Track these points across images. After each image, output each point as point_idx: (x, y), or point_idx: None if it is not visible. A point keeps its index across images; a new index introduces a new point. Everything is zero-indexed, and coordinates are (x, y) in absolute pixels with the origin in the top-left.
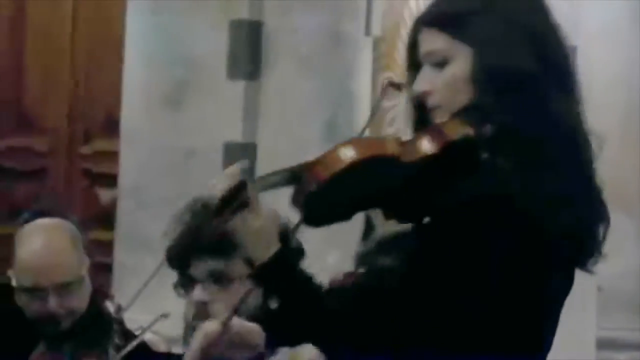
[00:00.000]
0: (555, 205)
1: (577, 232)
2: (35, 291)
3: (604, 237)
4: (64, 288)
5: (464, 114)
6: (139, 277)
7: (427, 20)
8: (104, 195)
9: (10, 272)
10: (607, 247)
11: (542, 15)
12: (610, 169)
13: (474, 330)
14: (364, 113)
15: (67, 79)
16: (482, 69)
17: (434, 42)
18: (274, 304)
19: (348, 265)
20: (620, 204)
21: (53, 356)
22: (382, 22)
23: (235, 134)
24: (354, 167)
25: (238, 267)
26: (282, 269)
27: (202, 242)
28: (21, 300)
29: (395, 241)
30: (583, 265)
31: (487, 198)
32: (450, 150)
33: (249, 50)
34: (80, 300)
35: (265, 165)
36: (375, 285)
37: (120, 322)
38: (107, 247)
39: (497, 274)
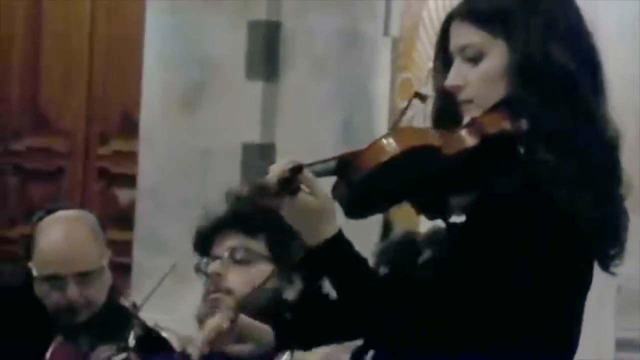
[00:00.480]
0: (588, 202)
1: (605, 231)
2: (55, 280)
3: (625, 239)
4: (84, 277)
5: (501, 108)
6: (157, 277)
7: (463, 15)
8: (122, 195)
9: (30, 264)
10: (626, 248)
11: (578, 18)
12: (627, 169)
13: (512, 325)
14: (381, 114)
15: (85, 79)
16: (520, 65)
17: (469, 36)
18: (328, 291)
19: None
20: (636, 205)
21: (71, 348)
22: (401, 22)
23: (254, 135)
24: (398, 157)
25: (259, 247)
26: (340, 252)
27: (230, 220)
28: (41, 290)
29: (432, 238)
30: (606, 266)
31: (525, 193)
32: (488, 145)
33: (266, 51)
34: (99, 292)
35: None
36: (421, 279)
37: (137, 317)
38: (125, 247)
39: (534, 270)
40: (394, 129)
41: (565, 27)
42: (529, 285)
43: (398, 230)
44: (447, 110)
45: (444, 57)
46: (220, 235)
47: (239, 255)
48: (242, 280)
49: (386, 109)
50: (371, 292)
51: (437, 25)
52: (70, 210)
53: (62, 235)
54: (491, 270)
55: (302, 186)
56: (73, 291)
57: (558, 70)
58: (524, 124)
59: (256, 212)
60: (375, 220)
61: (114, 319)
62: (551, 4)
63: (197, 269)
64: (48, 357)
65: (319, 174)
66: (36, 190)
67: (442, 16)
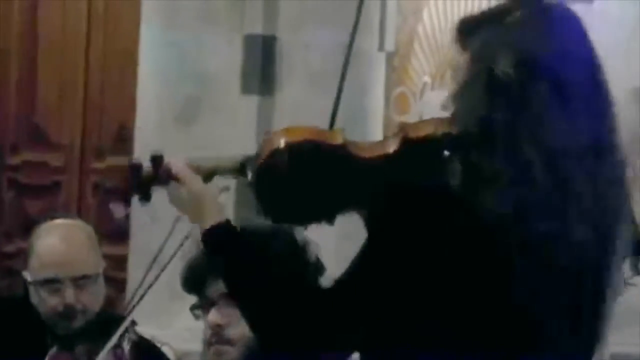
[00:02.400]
0: (492, 201)
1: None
2: (53, 284)
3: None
4: (81, 282)
5: (440, 117)
6: (153, 292)
7: (454, 37)
8: (118, 210)
9: (25, 273)
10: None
11: (546, 31)
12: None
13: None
14: (376, 128)
15: (81, 94)
16: (467, 73)
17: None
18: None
19: None
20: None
21: (66, 356)
22: (396, 37)
23: (249, 149)
24: (292, 150)
25: None
26: (222, 241)
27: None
28: (38, 295)
29: None
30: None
31: (437, 188)
32: (411, 149)
33: (262, 66)
34: (95, 298)
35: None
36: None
37: (133, 323)
38: (121, 262)
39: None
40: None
41: (522, 46)
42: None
43: None
44: None
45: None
46: (211, 276)
47: (232, 302)
48: (242, 327)
49: (381, 124)
50: (251, 289)
51: (432, 40)
52: (67, 218)
53: (59, 239)
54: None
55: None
56: (70, 295)
57: (497, 78)
58: (454, 130)
59: None
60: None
61: (110, 327)
62: (513, 23)
63: (192, 309)
64: None
65: (213, 173)
66: (32, 204)
67: (437, 31)
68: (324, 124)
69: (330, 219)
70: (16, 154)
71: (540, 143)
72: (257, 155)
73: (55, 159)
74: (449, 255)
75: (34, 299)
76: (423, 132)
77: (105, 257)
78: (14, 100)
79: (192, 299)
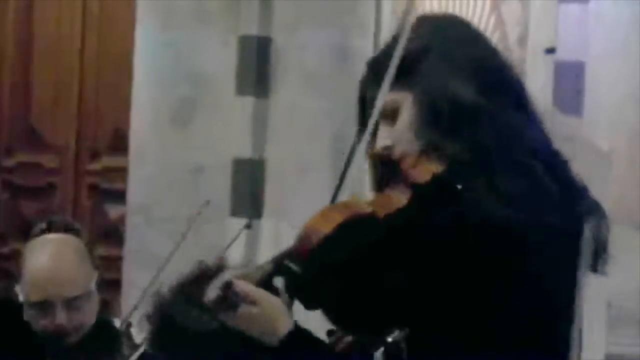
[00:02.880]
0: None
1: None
2: (44, 306)
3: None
4: (73, 302)
5: (424, 154)
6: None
7: (375, 81)
8: (113, 211)
9: (17, 288)
10: (616, 263)
11: (479, 44)
12: (619, 186)
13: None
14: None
15: (76, 96)
16: (424, 111)
17: (380, 100)
18: None
19: None
20: (629, 220)
21: None
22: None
23: (244, 150)
24: (332, 236)
25: None
26: (297, 346)
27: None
28: (29, 315)
29: None
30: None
31: (468, 227)
32: (423, 193)
33: (257, 67)
34: (88, 315)
35: (274, 181)
36: None
37: (129, 336)
38: (115, 263)
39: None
40: (324, 208)
41: (467, 61)
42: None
43: None
44: (388, 169)
45: (364, 123)
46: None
47: None
48: None
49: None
50: None
51: None
52: (57, 234)
53: (49, 260)
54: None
55: (241, 299)
56: (62, 317)
57: (463, 104)
58: (446, 164)
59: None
60: None
61: (105, 338)
62: (442, 44)
63: None
64: None
65: (259, 281)
66: (27, 206)
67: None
68: (318, 124)
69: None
70: (11, 155)
71: (525, 153)
72: (293, 249)
73: (50, 161)
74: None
75: (27, 317)
76: (428, 174)
77: (100, 258)
78: (8, 102)
79: None
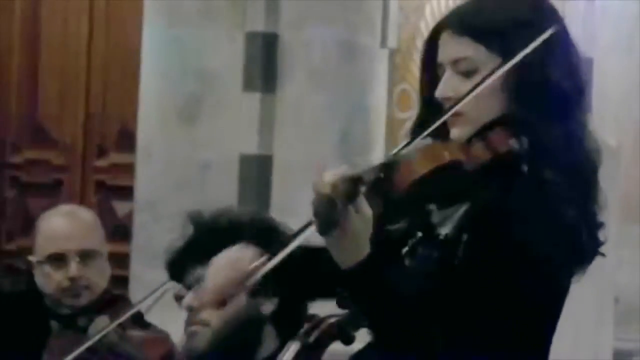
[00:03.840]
0: (578, 217)
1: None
2: (58, 258)
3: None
4: (85, 257)
5: (504, 127)
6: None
7: (457, 27)
8: (120, 208)
9: (31, 257)
10: (624, 260)
11: (569, 38)
12: (625, 181)
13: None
14: (379, 125)
15: (83, 92)
16: (518, 83)
17: (463, 49)
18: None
19: None
20: (636, 217)
21: (72, 335)
22: (398, 34)
23: (251, 147)
24: (430, 175)
25: None
26: (371, 275)
27: (195, 250)
28: (43, 273)
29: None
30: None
31: (536, 210)
32: (496, 163)
33: (264, 63)
34: (99, 276)
35: (280, 177)
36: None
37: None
38: (123, 260)
39: (536, 280)
40: (422, 147)
41: (560, 46)
42: (530, 295)
43: None
44: (429, 121)
45: (431, 67)
46: (189, 262)
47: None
48: (214, 310)
49: (384, 121)
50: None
51: None
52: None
53: (65, 215)
54: (495, 283)
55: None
56: (74, 268)
57: (554, 90)
58: (525, 143)
59: (217, 240)
60: None
61: (114, 306)
62: (547, 24)
63: (177, 299)
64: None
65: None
66: (34, 203)
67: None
68: (325, 120)
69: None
70: (18, 152)
71: (588, 158)
72: (396, 175)
73: (57, 157)
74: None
75: (39, 279)
76: (506, 146)
77: (108, 254)
78: (16, 99)
79: None
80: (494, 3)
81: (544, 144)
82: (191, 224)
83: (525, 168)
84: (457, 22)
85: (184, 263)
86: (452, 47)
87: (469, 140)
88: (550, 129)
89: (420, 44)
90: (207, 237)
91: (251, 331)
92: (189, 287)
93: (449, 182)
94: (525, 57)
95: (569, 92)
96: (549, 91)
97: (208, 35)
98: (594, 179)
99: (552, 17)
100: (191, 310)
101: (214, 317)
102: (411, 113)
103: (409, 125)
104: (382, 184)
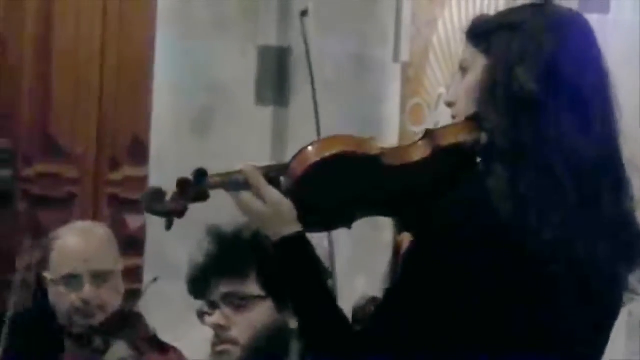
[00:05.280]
0: (536, 221)
1: (565, 254)
2: (72, 279)
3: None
4: (99, 278)
5: (464, 121)
6: (167, 303)
7: (465, 34)
8: (133, 221)
9: (45, 273)
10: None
11: (570, 47)
12: (638, 192)
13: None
14: (391, 139)
15: (96, 105)
16: (487, 82)
17: (464, 52)
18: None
19: (375, 289)
20: None
21: (82, 353)
22: (411, 47)
23: (264, 160)
24: (325, 164)
25: (252, 289)
26: (295, 251)
27: (218, 266)
28: (57, 293)
29: None
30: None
31: (474, 205)
32: (442, 156)
33: (277, 76)
34: (113, 295)
35: None
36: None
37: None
38: (135, 273)
39: (477, 282)
40: (328, 136)
41: (543, 55)
42: (474, 298)
43: None
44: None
45: None
46: (212, 279)
47: (234, 303)
48: (244, 327)
49: (396, 135)
50: (316, 296)
51: (447, 51)
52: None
53: (79, 235)
54: (437, 286)
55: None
56: (89, 290)
57: (520, 92)
58: (483, 138)
59: (239, 255)
60: (386, 245)
61: (127, 324)
62: (534, 31)
63: (199, 315)
64: None
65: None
66: (46, 216)
67: (452, 42)
68: (337, 133)
69: (351, 224)
70: (30, 165)
71: (568, 161)
72: (288, 166)
73: (69, 170)
74: (490, 272)
75: (53, 298)
76: (454, 139)
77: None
78: (27, 112)
79: None
80: (500, 12)
81: (501, 141)
82: (212, 240)
83: (479, 161)
84: (466, 30)
85: (206, 279)
86: (461, 53)
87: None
88: (510, 128)
89: (432, 58)
90: (229, 253)
91: (279, 347)
92: (211, 304)
93: (358, 176)
94: (498, 56)
95: (538, 95)
96: (513, 93)
97: (220, 48)
98: (593, 188)
99: (543, 22)
100: (220, 329)
101: (243, 336)
102: (423, 127)
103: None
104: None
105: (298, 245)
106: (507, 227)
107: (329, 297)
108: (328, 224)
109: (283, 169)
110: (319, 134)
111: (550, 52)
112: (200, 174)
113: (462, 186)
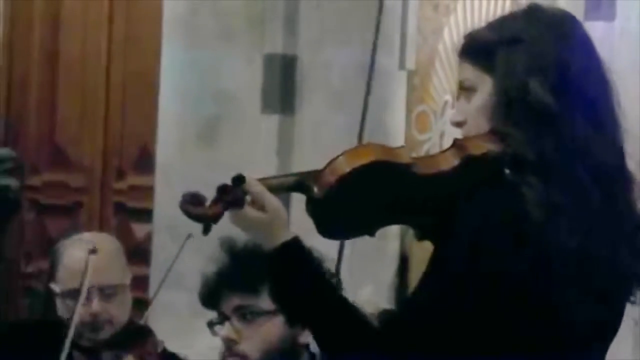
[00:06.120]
0: (566, 230)
1: (589, 264)
2: (80, 294)
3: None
4: (107, 292)
5: (489, 135)
6: (174, 312)
7: (460, 51)
8: (139, 230)
9: (53, 285)
10: None
11: (572, 48)
12: None
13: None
14: (404, 145)
15: (102, 114)
16: (500, 99)
17: (464, 72)
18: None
19: (381, 299)
20: None
21: None
22: (417, 55)
23: (270, 169)
24: (359, 173)
25: (263, 304)
26: (294, 256)
27: (231, 279)
28: (65, 306)
29: None
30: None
31: (507, 212)
32: (471, 166)
33: (283, 85)
34: (121, 310)
35: (300, 199)
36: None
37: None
38: (142, 282)
39: (504, 286)
40: (360, 144)
41: (554, 63)
42: (499, 301)
43: (415, 266)
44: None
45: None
46: (224, 291)
47: (246, 316)
48: (254, 341)
49: (402, 142)
50: (319, 299)
51: (453, 59)
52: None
53: (87, 249)
54: (463, 292)
55: (248, 198)
56: (96, 304)
57: (537, 105)
58: (508, 148)
59: (253, 269)
60: (392, 254)
61: (136, 338)
62: (535, 40)
63: (210, 326)
64: None
65: (275, 189)
66: (53, 225)
67: (459, 49)
68: (344, 142)
69: (375, 232)
70: (37, 174)
71: (589, 168)
72: (321, 173)
73: (76, 180)
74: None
75: (61, 310)
76: (483, 149)
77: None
78: (34, 121)
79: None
80: (491, 25)
81: (528, 155)
82: (225, 252)
83: (507, 172)
84: (460, 48)
85: (218, 291)
86: (459, 72)
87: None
88: (533, 142)
89: (438, 65)
90: (242, 266)
91: (291, 354)
92: (222, 316)
93: (389, 185)
94: (505, 72)
95: (553, 106)
96: (529, 106)
97: (226, 57)
98: (612, 196)
99: (543, 31)
100: (230, 342)
101: (252, 350)
102: (429, 135)
103: (427, 146)
104: (309, 188)
105: (299, 249)
106: (536, 235)
107: (339, 295)
108: (352, 232)
109: (312, 177)
110: (360, 140)
111: (558, 60)
112: (239, 179)
113: (492, 194)
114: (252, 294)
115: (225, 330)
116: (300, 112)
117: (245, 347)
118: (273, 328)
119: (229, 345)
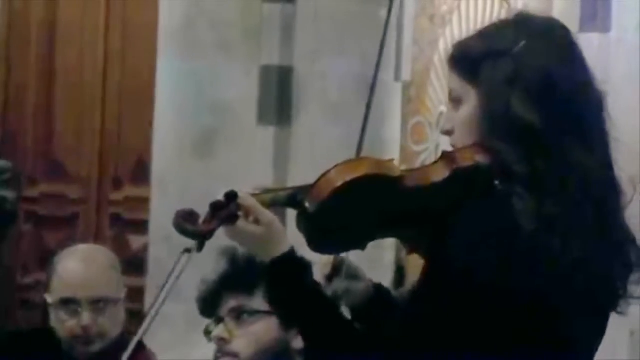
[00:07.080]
0: (560, 242)
1: (583, 274)
2: (71, 304)
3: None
4: (99, 305)
5: (477, 146)
6: (170, 324)
7: (448, 61)
8: (135, 241)
9: (46, 295)
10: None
11: (561, 60)
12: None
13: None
14: (393, 158)
15: (98, 126)
16: (484, 115)
17: (451, 82)
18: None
19: None
20: None
21: None
22: (412, 67)
23: (266, 180)
24: (351, 186)
25: (258, 304)
26: (289, 269)
27: (228, 283)
28: (57, 317)
29: None
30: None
31: (498, 223)
32: (461, 177)
33: (279, 96)
34: (113, 323)
35: (295, 212)
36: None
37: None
38: (138, 294)
39: (499, 297)
40: (350, 159)
41: (535, 76)
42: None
43: (411, 276)
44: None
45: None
46: (222, 296)
47: (239, 316)
48: (245, 340)
49: (398, 153)
50: (315, 311)
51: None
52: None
53: (80, 260)
54: (454, 305)
55: (241, 213)
56: (87, 317)
57: (519, 122)
58: (498, 160)
59: (251, 273)
60: (388, 265)
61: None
62: (522, 53)
63: (206, 333)
64: None
65: (269, 204)
66: (50, 236)
67: (448, 58)
68: (340, 153)
69: (365, 246)
70: (34, 186)
71: (581, 183)
72: (312, 188)
73: (72, 191)
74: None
75: (54, 322)
76: (472, 160)
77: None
78: (31, 133)
79: None
80: (480, 34)
81: (515, 169)
82: (226, 260)
83: (497, 183)
84: (449, 57)
85: (217, 297)
86: (448, 81)
87: None
88: (519, 156)
89: (434, 77)
90: (241, 271)
91: (283, 357)
92: (218, 320)
93: (379, 198)
94: (489, 87)
95: (537, 124)
96: (512, 122)
97: (223, 68)
98: (601, 208)
99: (533, 45)
100: (222, 342)
101: (244, 349)
102: (425, 146)
103: (423, 157)
104: (301, 203)
105: (296, 261)
106: (529, 247)
107: (333, 306)
108: (343, 247)
109: (304, 191)
110: (359, 152)
111: (545, 74)
112: (232, 195)
113: (482, 206)
114: (247, 294)
115: (217, 330)
116: (297, 123)
117: (236, 346)
118: (266, 329)
119: (221, 345)
